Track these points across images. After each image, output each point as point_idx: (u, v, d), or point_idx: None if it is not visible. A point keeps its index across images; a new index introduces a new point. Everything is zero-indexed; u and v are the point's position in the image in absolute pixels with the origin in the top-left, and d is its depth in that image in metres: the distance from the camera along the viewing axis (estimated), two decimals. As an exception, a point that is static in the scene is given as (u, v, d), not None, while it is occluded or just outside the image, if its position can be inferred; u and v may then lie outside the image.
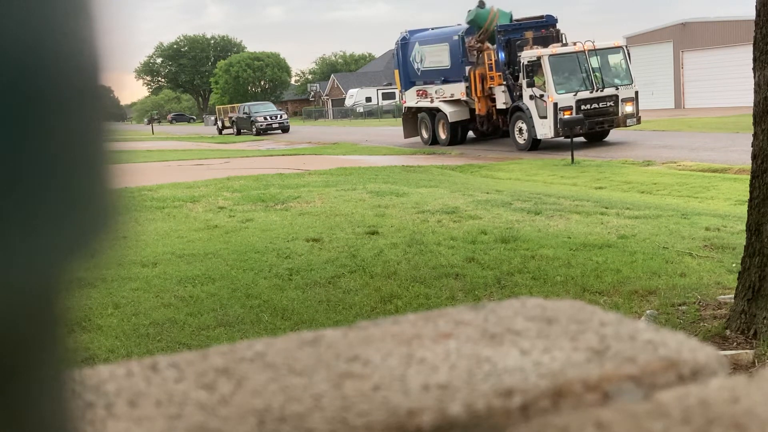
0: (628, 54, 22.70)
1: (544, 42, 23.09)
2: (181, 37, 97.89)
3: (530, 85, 21.96)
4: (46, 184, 0.28)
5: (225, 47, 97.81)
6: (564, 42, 23.03)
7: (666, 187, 13.83)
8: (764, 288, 4.79)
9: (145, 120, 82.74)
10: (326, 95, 76.96)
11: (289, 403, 0.65)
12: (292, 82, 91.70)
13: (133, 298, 6.45)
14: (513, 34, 23.63)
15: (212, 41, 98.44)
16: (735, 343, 4.77)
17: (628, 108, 21.95)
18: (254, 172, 17.12)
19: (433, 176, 16.09)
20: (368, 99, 66.62)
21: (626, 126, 22.32)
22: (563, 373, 0.68)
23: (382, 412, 0.63)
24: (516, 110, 22.85)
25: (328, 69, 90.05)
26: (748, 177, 5.16)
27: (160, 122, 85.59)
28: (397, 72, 28.12)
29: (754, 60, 4.91)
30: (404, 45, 27.07)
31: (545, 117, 21.49)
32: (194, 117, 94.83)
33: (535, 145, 22.29)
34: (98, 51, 0.30)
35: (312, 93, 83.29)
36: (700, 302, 5.66)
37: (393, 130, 33.67)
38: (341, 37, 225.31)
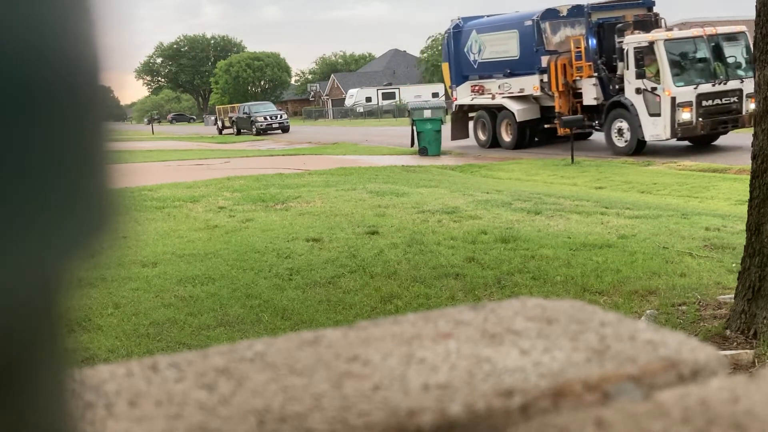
0: (750, 41, 20.65)
1: (643, 27, 19.12)
2: (181, 37, 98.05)
3: (640, 76, 17.78)
4: (46, 184, 0.28)
5: (225, 47, 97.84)
6: (667, 27, 19.40)
7: (666, 187, 13.83)
8: (764, 288, 4.79)
9: (145, 120, 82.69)
10: (326, 95, 76.98)
11: (289, 403, 0.65)
12: (292, 82, 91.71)
13: (133, 298, 6.44)
14: (606, 17, 19.73)
15: (212, 41, 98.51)
16: (735, 343, 4.77)
17: (752, 105, 19.97)
18: (254, 172, 17.11)
19: (433, 176, 16.09)
20: (368, 99, 66.65)
21: (750, 127, 20.29)
22: (563, 373, 0.68)
23: (382, 412, 0.63)
24: (614, 107, 18.74)
25: (328, 69, 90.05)
26: (748, 177, 5.17)
27: (160, 122, 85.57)
28: (446, 65, 23.73)
29: (755, 60, 4.92)
30: (456, 34, 22.83)
31: (658, 114, 17.57)
32: (194, 117, 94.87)
33: (639, 147, 18.25)
34: (98, 51, 0.30)
35: (312, 93, 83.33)
36: (700, 302, 5.65)
37: (393, 130, 33.67)
38: (341, 37, 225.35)
